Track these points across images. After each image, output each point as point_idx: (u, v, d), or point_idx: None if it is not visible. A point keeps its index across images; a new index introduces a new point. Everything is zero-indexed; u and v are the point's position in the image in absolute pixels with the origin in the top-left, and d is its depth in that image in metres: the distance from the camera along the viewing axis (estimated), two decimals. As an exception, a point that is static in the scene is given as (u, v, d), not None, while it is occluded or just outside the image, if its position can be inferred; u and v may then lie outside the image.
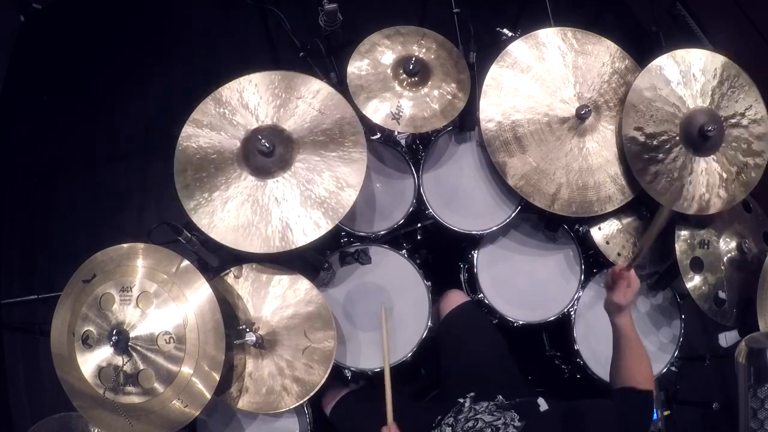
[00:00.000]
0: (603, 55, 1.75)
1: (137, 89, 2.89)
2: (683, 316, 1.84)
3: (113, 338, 1.30)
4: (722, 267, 1.67)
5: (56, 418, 1.54)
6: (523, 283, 1.84)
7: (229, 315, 1.50)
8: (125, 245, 1.42)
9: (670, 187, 1.59)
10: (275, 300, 1.54)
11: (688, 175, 1.61)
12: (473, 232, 1.78)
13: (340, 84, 1.83)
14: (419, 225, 1.88)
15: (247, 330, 1.45)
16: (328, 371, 1.46)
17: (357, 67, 1.67)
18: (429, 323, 1.69)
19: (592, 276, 1.85)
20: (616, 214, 1.78)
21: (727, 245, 1.70)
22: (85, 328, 1.36)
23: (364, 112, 1.61)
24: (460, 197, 1.83)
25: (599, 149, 1.69)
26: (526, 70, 1.72)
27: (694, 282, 1.62)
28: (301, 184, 1.45)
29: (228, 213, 1.43)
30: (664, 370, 1.80)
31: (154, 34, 3.02)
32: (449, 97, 1.68)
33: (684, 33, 2.69)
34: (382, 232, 1.79)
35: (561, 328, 1.84)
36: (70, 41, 2.99)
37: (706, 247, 1.67)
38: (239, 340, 1.44)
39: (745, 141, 1.65)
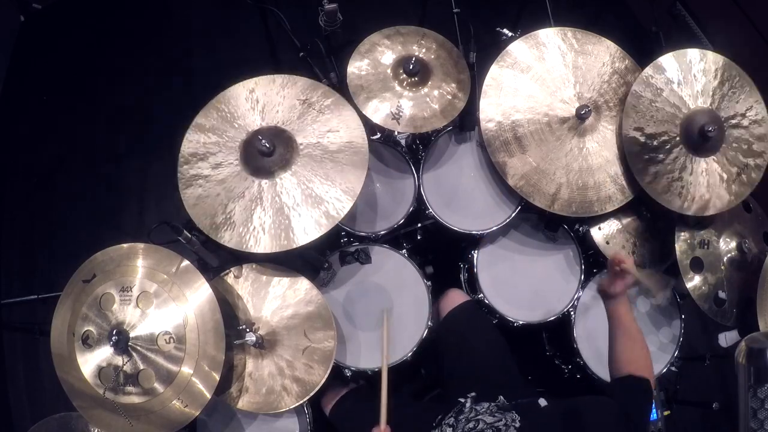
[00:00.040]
0: (603, 55, 1.75)
1: (137, 89, 2.89)
2: (683, 316, 1.84)
3: (113, 338, 1.30)
4: (722, 267, 1.67)
5: (56, 418, 1.54)
6: (523, 283, 1.84)
7: (229, 315, 1.50)
8: (125, 245, 1.42)
9: (671, 187, 1.59)
10: (275, 300, 1.54)
11: (688, 176, 1.61)
12: (473, 232, 1.78)
13: (340, 84, 1.83)
14: (419, 225, 1.88)
15: (247, 330, 1.45)
16: (328, 371, 1.46)
17: (357, 67, 1.67)
18: (429, 323, 1.69)
19: (592, 276, 1.85)
20: (616, 214, 1.78)
21: (727, 245, 1.70)
22: (85, 328, 1.36)
23: (364, 112, 1.61)
24: (460, 197, 1.83)
25: (599, 149, 1.69)
26: (526, 70, 1.72)
27: (694, 282, 1.62)
28: (302, 183, 1.45)
29: (231, 214, 1.43)
30: (664, 370, 1.80)
31: (154, 34, 3.02)
32: (449, 97, 1.68)
33: (684, 33, 2.69)
34: (382, 232, 1.79)
35: (561, 328, 1.84)
36: (70, 41, 2.99)
37: (706, 247, 1.67)
38: (239, 340, 1.44)
39: (745, 142, 1.65)
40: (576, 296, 1.81)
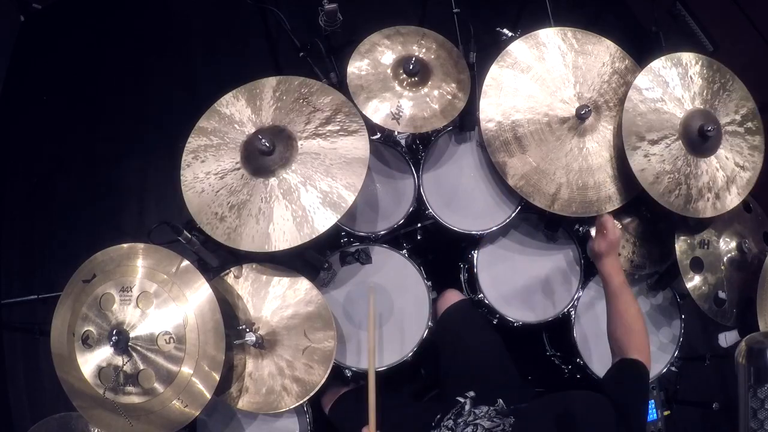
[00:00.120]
0: (603, 55, 1.75)
1: (137, 89, 2.89)
2: (683, 316, 1.84)
3: (113, 338, 1.30)
4: (722, 267, 1.67)
5: (56, 418, 1.54)
6: (523, 283, 1.84)
7: (229, 315, 1.50)
8: (125, 245, 1.42)
9: (672, 187, 1.59)
10: (275, 300, 1.54)
11: (689, 176, 1.60)
12: (473, 232, 1.78)
13: (340, 84, 1.83)
14: (419, 225, 1.88)
15: (247, 330, 1.45)
16: (328, 371, 1.46)
17: (357, 67, 1.67)
18: (429, 323, 1.69)
19: (592, 276, 1.85)
20: (616, 214, 1.78)
21: (727, 245, 1.70)
22: (85, 328, 1.36)
23: (364, 112, 1.60)
24: (460, 197, 1.83)
25: (599, 149, 1.69)
26: (526, 70, 1.72)
27: (694, 282, 1.62)
28: (302, 183, 1.45)
29: (235, 216, 1.43)
30: (664, 370, 1.80)
31: (155, 34, 3.02)
32: (449, 97, 1.68)
33: (684, 33, 2.69)
34: (382, 232, 1.79)
35: (561, 328, 1.84)
36: (70, 41, 2.99)
37: (706, 247, 1.67)
38: (239, 340, 1.44)
39: (741, 142, 1.66)
40: (576, 296, 1.81)
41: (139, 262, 1.40)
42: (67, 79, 2.90)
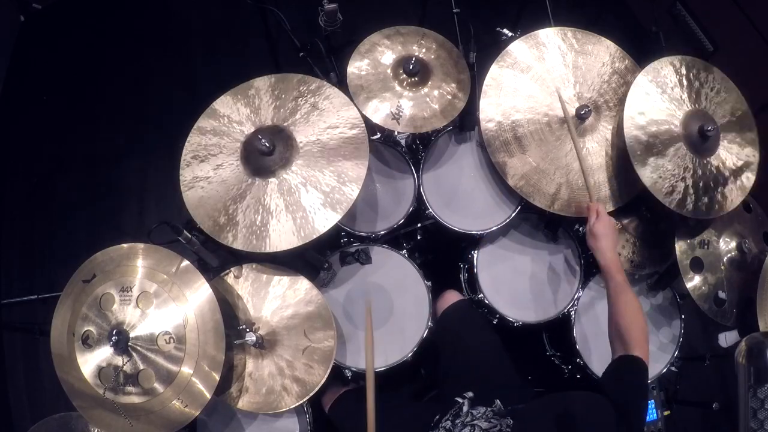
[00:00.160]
0: (603, 55, 1.75)
1: (137, 89, 2.89)
2: (683, 316, 1.84)
3: (113, 338, 1.30)
4: (722, 267, 1.67)
5: (56, 418, 1.54)
6: (523, 283, 1.84)
7: (229, 315, 1.50)
8: (125, 245, 1.42)
9: (674, 187, 1.58)
10: (275, 300, 1.54)
11: (690, 176, 1.60)
12: (473, 232, 1.78)
13: (340, 84, 1.83)
14: (419, 225, 1.88)
15: (247, 330, 1.45)
16: (328, 371, 1.46)
17: (357, 67, 1.67)
18: (429, 323, 1.69)
19: (592, 276, 1.85)
20: (616, 214, 1.78)
21: (727, 245, 1.70)
22: (85, 328, 1.36)
23: (364, 112, 1.60)
24: (460, 197, 1.83)
25: (599, 149, 1.69)
26: (526, 70, 1.72)
27: (694, 282, 1.62)
28: (303, 182, 1.45)
29: (235, 216, 1.43)
30: (664, 370, 1.80)
31: (154, 34, 3.02)
32: (449, 97, 1.68)
33: (684, 33, 2.69)
34: (382, 232, 1.79)
35: (561, 328, 1.84)
36: (70, 41, 2.99)
37: (706, 247, 1.67)
38: (239, 340, 1.43)
39: (738, 143, 1.66)
40: (576, 296, 1.81)
41: (139, 262, 1.40)
42: (67, 79, 2.90)
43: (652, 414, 1.88)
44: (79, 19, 3.03)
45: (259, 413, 1.59)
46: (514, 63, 1.72)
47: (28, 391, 2.36)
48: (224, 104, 1.55)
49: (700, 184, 1.60)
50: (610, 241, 1.47)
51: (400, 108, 1.63)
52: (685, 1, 2.68)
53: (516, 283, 1.84)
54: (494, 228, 1.78)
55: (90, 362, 1.35)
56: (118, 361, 1.33)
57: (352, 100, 1.58)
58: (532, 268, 1.86)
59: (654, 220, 1.81)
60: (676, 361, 1.81)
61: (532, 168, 1.68)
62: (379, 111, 1.63)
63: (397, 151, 1.90)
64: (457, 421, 1.29)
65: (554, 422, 1.10)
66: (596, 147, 1.69)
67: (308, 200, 1.43)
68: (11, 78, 2.90)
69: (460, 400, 1.36)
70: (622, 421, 1.08)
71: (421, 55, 1.71)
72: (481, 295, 1.81)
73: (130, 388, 1.33)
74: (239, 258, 1.56)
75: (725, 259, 1.68)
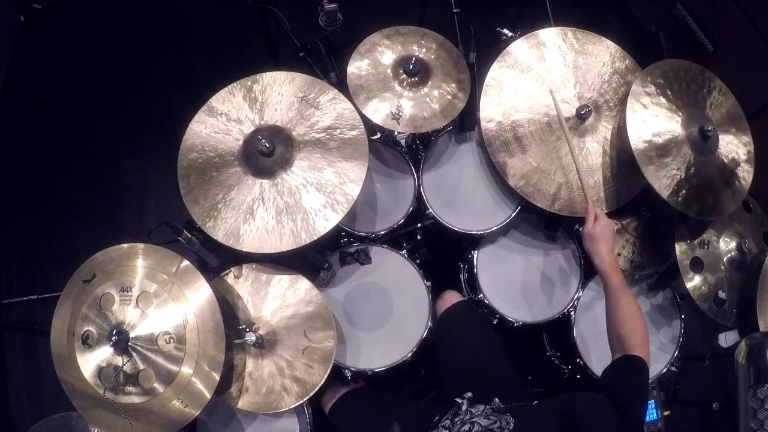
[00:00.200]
0: (603, 55, 1.75)
1: (137, 89, 2.88)
2: (683, 316, 1.84)
3: (113, 338, 1.30)
4: (722, 267, 1.67)
5: (56, 418, 1.54)
6: (523, 284, 1.84)
7: (229, 315, 1.50)
8: (125, 245, 1.42)
9: (676, 187, 1.58)
10: (275, 300, 1.54)
11: (691, 176, 1.60)
12: (473, 232, 1.78)
13: (340, 84, 1.83)
14: (419, 225, 1.88)
15: (247, 330, 1.45)
16: (328, 371, 1.46)
17: (357, 67, 1.67)
18: (429, 323, 1.69)
19: (592, 276, 1.85)
20: (616, 214, 1.78)
21: (727, 245, 1.70)
22: (85, 328, 1.36)
23: (364, 112, 1.60)
24: (460, 197, 1.83)
25: (599, 149, 1.69)
26: (527, 70, 1.72)
27: (694, 282, 1.62)
28: (303, 181, 1.45)
29: (237, 217, 1.43)
30: (664, 370, 1.80)
31: (154, 34, 3.02)
32: (449, 97, 1.68)
33: (684, 33, 2.69)
34: (382, 232, 1.79)
35: (561, 328, 1.84)
36: (70, 41, 2.99)
37: (706, 247, 1.67)
38: (239, 340, 1.43)
39: (736, 144, 1.66)
40: (576, 296, 1.81)
41: (139, 262, 1.40)
42: (67, 79, 2.90)
43: (652, 414, 1.88)
44: (79, 19, 3.03)
45: (259, 413, 1.59)
46: (515, 63, 1.73)
47: (28, 391, 2.36)
48: (222, 102, 1.55)
49: (702, 184, 1.60)
50: (609, 244, 1.47)
51: (400, 108, 1.63)
52: (685, 1, 2.68)
53: (516, 284, 1.84)
54: (494, 228, 1.78)
55: (90, 362, 1.35)
56: (118, 361, 1.33)
57: (352, 100, 1.58)
58: (532, 268, 1.86)
59: (654, 220, 1.81)
60: (676, 361, 1.81)
61: (532, 168, 1.68)
62: (379, 111, 1.63)
63: (397, 151, 1.90)
64: (456, 419, 1.29)
65: (554, 422, 1.10)
66: (596, 147, 1.69)
67: (308, 201, 1.43)
68: (11, 78, 2.90)
69: (459, 400, 1.36)
70: (622, 422, 1.08)
71: (421, 55, 1.71)
72: (481, 295, 1.81)
73: (130, 388, 1.33)
74: (239, 258, 1.56)
75: (725, 259, 1.69)
